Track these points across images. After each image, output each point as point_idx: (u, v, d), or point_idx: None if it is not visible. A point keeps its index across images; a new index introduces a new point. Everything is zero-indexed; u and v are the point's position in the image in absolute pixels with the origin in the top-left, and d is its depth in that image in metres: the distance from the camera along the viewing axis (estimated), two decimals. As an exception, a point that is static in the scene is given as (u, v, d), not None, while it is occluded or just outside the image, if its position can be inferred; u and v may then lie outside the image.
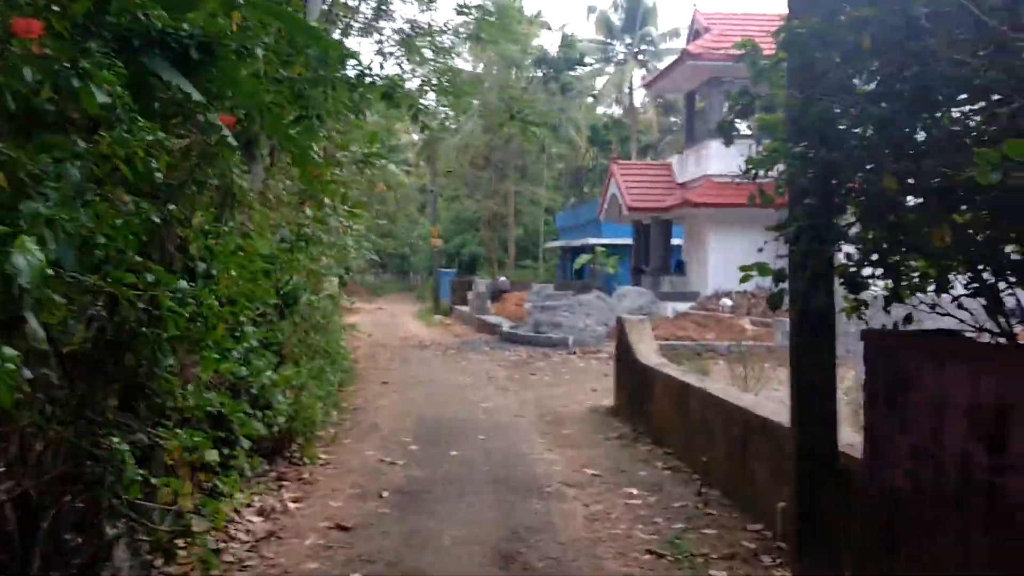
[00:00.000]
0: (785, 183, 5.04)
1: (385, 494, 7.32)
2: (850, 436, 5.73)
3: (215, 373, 7.02)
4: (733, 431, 7.36)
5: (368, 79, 7.43)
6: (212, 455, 5.57)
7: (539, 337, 21.10)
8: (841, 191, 4.80)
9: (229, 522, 6.41)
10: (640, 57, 53.08)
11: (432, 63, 17.37)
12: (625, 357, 11.42)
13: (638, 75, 51.00)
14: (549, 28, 72.21)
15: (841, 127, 4.41)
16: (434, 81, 12.35)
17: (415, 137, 55.17)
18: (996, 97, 3.53)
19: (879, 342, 4.85)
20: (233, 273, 6.41)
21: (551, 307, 23.04)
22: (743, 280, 5.18)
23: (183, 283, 5.09)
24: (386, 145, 48.40)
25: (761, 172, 5.33)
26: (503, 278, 38.44)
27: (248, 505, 6.86)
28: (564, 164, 57.86)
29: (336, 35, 17.61)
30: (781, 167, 5.14)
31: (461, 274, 46.18)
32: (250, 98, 4.76)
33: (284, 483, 7.67)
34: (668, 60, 33.71)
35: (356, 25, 19.81)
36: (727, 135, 5.61)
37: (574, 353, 19.16)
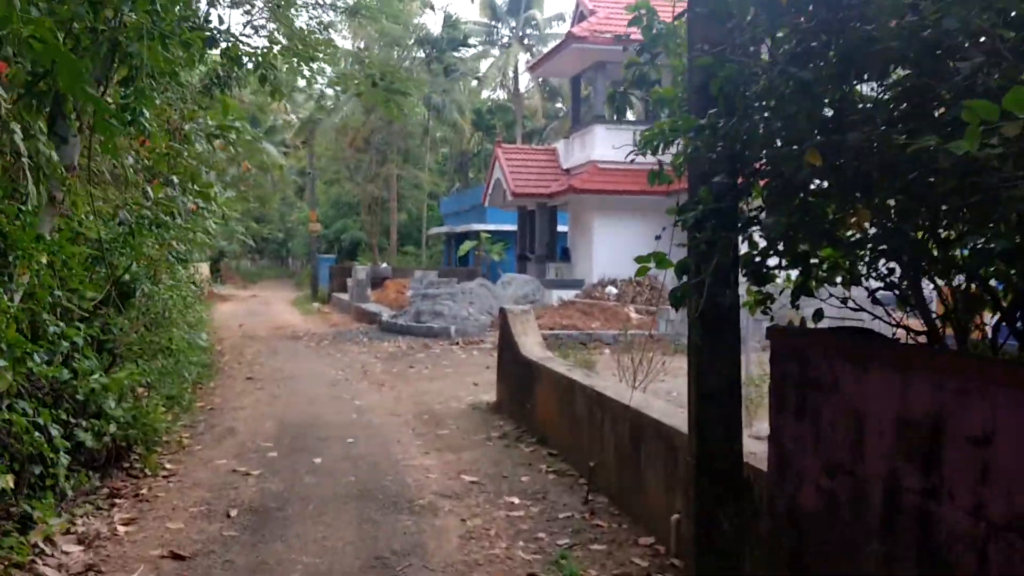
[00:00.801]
0: (686, 161, 4.42)
1: (233, 513, 6.42)
2: (751, 444, 5.18)
3: (29, 378, 6.01)
4: (622, 433, 6.77)
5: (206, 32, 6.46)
6: (5, 481, 4.59)
7: (420, 327, 20.28)
8: (747, 170, 4.21)
9: (39, 554, 5.41)
10: (525, 41, 52.54)
11: (307, 37, 16.32)
12: (508, 350, 10.76)
13: (523, 59, 50.43)
14: (432, 8, 71.11)
15: (753, 94, 3.80)
16: (284, 42, 11.29)
17: (294, 118, 53.39)
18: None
19: (787, 341, 4.29)
20: (43, 261, 5.42)
21: (432, 295, 22.23)
22: (639, 273, 4.55)
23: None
24: (261, 125, 46.50)
25: (653, 153, 4.71)
26: (384, 264, 37.37)
27: (68, 531, 5.86)
28: (448, 148, 56.98)
29: (203, 4, 16.36)
30: (677, 147, 4.53)
31: (341, 260, 44.82)
32: (36, 46, 3.80)
33: (117, 501, 6.67)
34: (553, 44, 33.26)
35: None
36: (618, 107, 4.94)
37: (456, 344, 18.43)
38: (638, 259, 4.66)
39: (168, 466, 7.74)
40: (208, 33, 6.74)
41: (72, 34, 5.03)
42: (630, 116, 28.30)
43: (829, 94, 3.57)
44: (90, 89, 4.03)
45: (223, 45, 9.66)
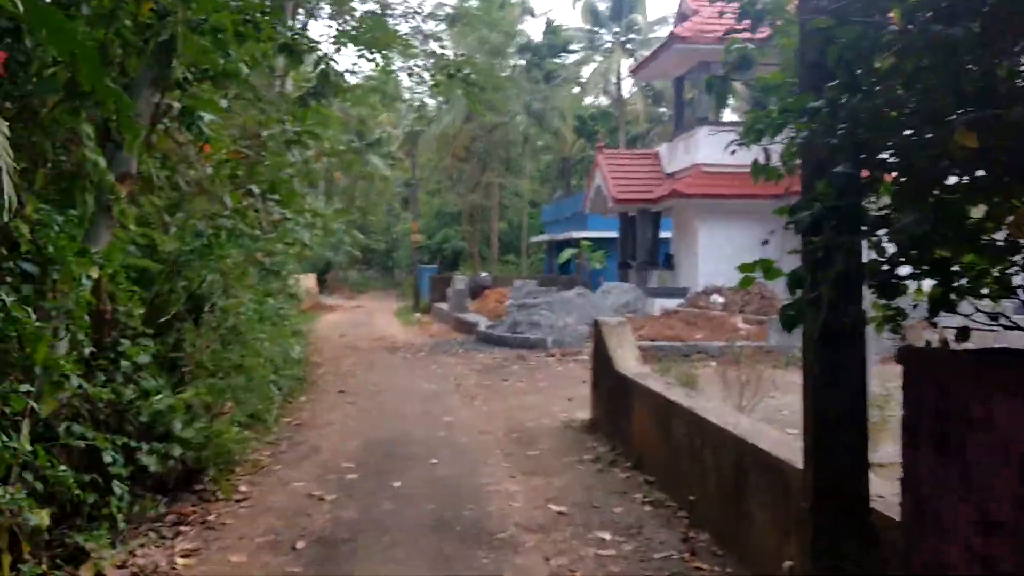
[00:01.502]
0: (799, 151, 3.72)
1: (300, 545, 5.97)
2: (876, 482, 4.40)
3: (84, 399, 5.69)
4: (726, 462, 6.04)
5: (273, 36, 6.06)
6: (37, 518, 4.21)
7: (516, 337, 19.76)
8: (873, 160, 3.49)
9: (91, 591, 5.06)
10: (628, 46, 51.61)
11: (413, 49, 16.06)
12: (602, 365, 10.10)
13: (626, 64, 49.56)
14: (533, 15, 70.80)
15: (881, 65, 3.09)
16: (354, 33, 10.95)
17: (399, 131, 53.87)
18: None
19: (924, 364, 3.55)
20: (93, 276, 5.07)
21: (530, 305, 21.69)
22: (744, 284, 3.88)
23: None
24: (367, 137, 47.02)
25: (757, 142, 4.05)
26: (484, 274, 37.07)
27: (123, 564, 5.49)
28: (550, 156, 56.45)
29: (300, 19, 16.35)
30: (787, 137, 3.83)
31: (443, 270, 44.82)
32: (60, 36, 3.40)
33: (183, 528, 6.29)
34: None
35: (325, 7, 18.52)
36: (718, 95, 4.28)
37: (552, 355, 17.82)
38: (742, 267, 4.00)
39: (243, 488, 7.38)
40: (275, 31, 6.33)
41: (116, 31, 4.66)
42: (735, 117, 27.22)
43: (979, 62, 2.84)
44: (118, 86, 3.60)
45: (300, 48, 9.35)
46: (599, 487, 7.56)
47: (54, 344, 4.47)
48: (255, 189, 8.44)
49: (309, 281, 39.65)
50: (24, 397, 4.04)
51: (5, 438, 3.95)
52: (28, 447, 4.36)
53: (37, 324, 4.13)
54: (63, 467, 4.55)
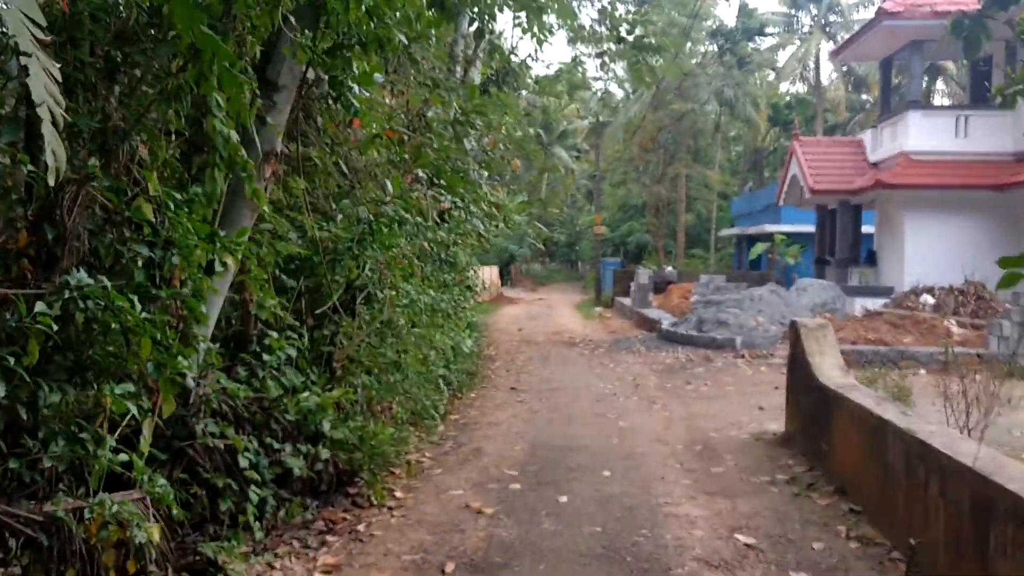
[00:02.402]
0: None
1: (449, 568, 5.33)
2: None
3: (224, 394, 5.28)
4: (959, 503, 4.91)
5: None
6: (148, 533, 3.75)
7: (702, 337, 18.60)
8: None
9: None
10: (828, 29, 48.67)
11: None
12: (799, 372, 8.97)
13: (825, 48, 46.70)
14: (727, -1, 68.30)
15: None
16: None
17: (585, 123, 53.25)
18: None
19: None
20: (229, 263, 4.60)
21: (717, 302, 20.46)
22: (1005, 283, 2.87)
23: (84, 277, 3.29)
24: (553, 130, 46.63)
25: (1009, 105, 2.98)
26: (669, 268, 35.83)
27: (258, 578, 5.04)
28: (741, 146, 54.16)
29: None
30: None
31: (626, 263, 43.83)
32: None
33: (329, 538, 5.81)
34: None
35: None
36: (967, 39, 3.24)
37: (741, 357, 16.57)
38: (1003, 261, 2.99)
39: (398, 494, 6.86)
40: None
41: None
42: (946, 101, 24.70)
43: None
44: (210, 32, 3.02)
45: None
46: (795, 516, 6.52)
47: (165, 338, 4.00)
48: (421, 174, 7.91)
49: (491, 273, 39.74)
50: (122, 400, 3.57)
51: (94, 445, 3.48)
52: (146, 451, 3.90)
53: (144, 316, 3.66)
54: (163, 480, 4.08)
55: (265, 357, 5.52)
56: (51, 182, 2.55)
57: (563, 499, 6.86)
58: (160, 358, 3.84)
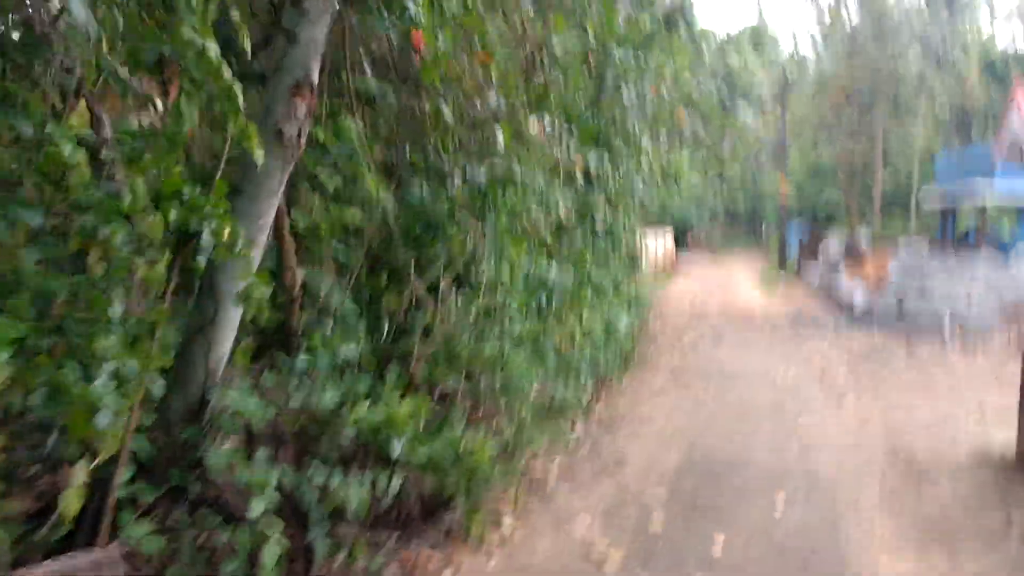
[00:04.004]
0: None
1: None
2: None
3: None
4: None
5: None
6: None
7: (902, 312, 16.18)
8: None
9: None
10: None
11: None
12: (1041, 371, 6.95)
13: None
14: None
15: None
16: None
17: (773, 87, 49.81)
18: None
19: None
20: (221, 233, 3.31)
21: (920, 273, 17.85)
22: None
23: None
24: (739, 88, 43.75)
25: None
26: (863, 233, 32.61)
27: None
28: (948, 100, 49.03)
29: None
30: None
31: (816, 228, 40.56)
32: None
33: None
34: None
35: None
36: None
37: (951, 342, 14.14)
38: None
39: (506, 523, 5.48)
40: None
41: None
42: None
43: None
44: None
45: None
46: (1046, 585, 4.68)
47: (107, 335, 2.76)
48: (547, 120, 6.41)
49: (665, 240, 37.67)
50: None
51: None
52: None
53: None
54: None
55: (302, 358, 4.24)
56: None
57: (719, 541, 5.26)
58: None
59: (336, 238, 4.69)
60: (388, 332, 5.16)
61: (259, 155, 3.26)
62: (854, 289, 20.60)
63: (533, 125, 6.27)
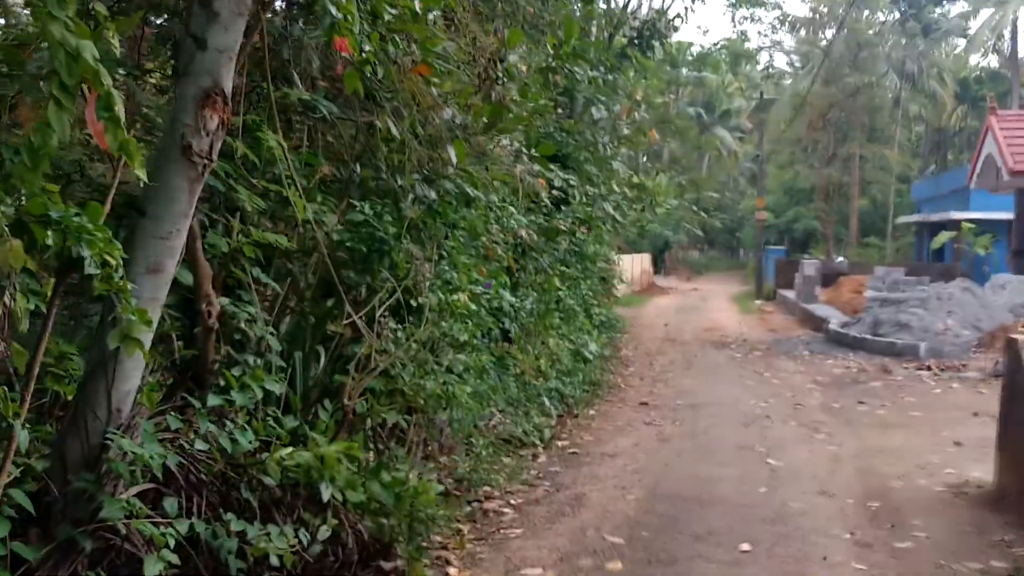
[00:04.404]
0: None
1: None
2: None
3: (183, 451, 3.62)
4: None
5: None
6: None
7: (878, 341, 15.92)
8: None
9: None
10: (1028, -7, 43.33)
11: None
12: (1018, 402, 6.64)
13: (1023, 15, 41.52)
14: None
15: None
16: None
17: (748, 103, 49.94)
18: None
19: None
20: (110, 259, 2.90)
21: (895, 299, 17.65)
22: None
23: None
24: (717, 109, 44.17)
25: None
26: (840, 259, 32.53)
27: None
28: (924, 125, 49.28)
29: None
30: None
31: (792, 252, 40.50)
32: None
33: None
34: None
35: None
36: None
37: (927, 368, 13.85)
38: None
39: (452, 572, 5.06)
40: None
41: None
42: None
43: None
44: None
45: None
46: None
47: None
48: (507, 143, 6.03)
49: (641, 262, 37.45)
50: None
51: None
52: None
53: None
54: None
55: (217, 396, 3.81)
56: None
57: (677, 596, 4.86)
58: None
59: (261, 263, 4.28)
60: (323, 365, 4.75)
61: (141, 174, 2.85)
62: (830, 313, 20.36)
63: (491, 143, 5.91)
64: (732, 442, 8.80)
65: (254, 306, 4.13)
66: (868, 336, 16.39)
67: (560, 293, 10.73)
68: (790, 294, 27.17)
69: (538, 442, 8.04)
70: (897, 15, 38.64)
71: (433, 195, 5.61)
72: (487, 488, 6.50)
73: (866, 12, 36.16)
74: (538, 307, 9.63)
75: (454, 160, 5.38)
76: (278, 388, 4.01)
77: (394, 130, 5.25)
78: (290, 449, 3.98)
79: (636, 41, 14.48)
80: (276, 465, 3.93)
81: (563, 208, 9.78)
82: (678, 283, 42.59)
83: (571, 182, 9.08)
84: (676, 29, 14.17)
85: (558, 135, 10.03)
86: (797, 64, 41.56)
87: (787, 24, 38.35)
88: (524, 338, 9.40)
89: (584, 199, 10.38)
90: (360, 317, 4.69)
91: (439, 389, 5.09)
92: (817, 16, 36.82)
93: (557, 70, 6.66)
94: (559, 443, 8.38)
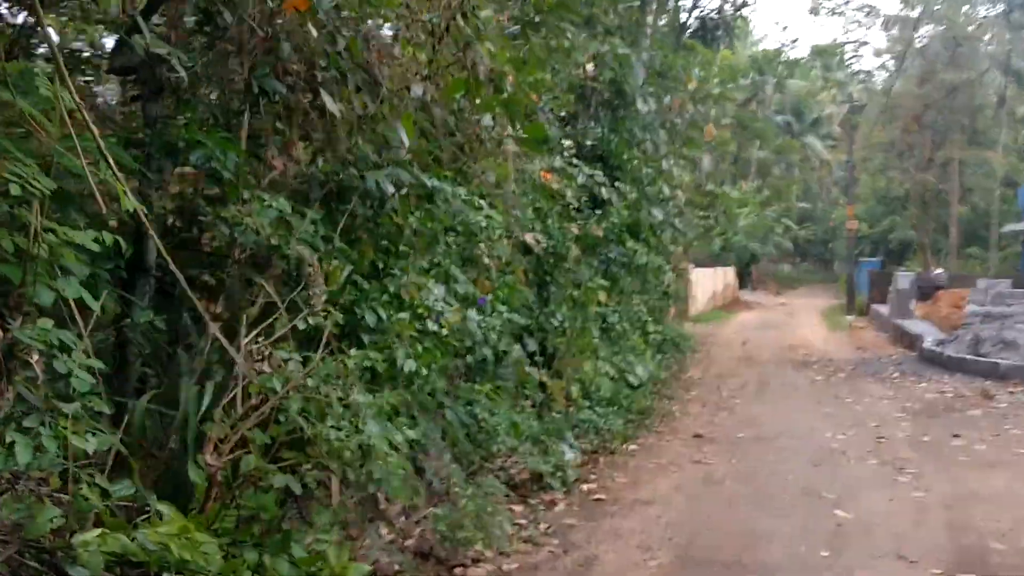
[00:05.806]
0: None
1: None
2: None
3: None
4: None
5: None
6: None
7: (978, 362, 14.12)
8: None
9: None
10: None
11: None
12: None
13: None
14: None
15: None
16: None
17: (840, 109, 47.55)
18: None
19: None
20: None
21: (1000, 315, 15.76)
22: None
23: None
24: (806, 117, 42.02)
25: None
26: (938, 271, 30.18)
27: None
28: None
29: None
30: None
31: (888, 265, 38.04)
32: None
33: None
34: None
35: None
36: None
37: (1036, 395, 12.08)
38: None
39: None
40: None
41: None
42: None
43: None
44: None
45: None
46: None
47: None
48: (486, 119, 4.86)
49: (724, 276, 35.65)
50: None
51: None
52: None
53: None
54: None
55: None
56: None
57: None
58: None
59: (67, 269, 3.20)
60: (205, 406, 3.66)
61: None
62: (926, 330, 18.52)
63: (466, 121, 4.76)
64: (796, 486, 7.39)
65: (69, 330, 3.06)
66: (967, 356, 14.58)
67: (602, 309, 9.47)
68: (884, 309, 25.16)
69: (557, 485, 6.82)
70: (1001, 7, 35.93)
71: (391, 188, 4.47)
72: (477, 548, 5.34)
73: (965, 6, 33.75)
74: (572, 325, 8.41)
75: (405, 141, 4.23)
76: (93, 444, 2.91)
77: (332, 107, 4.17)
78: (98, 531, 2.88)
79: (700, 32, 13.14)
80: (83, 550, 2.82)
81: (596, 212, 8.55)
82: (765, 298, 40.55)
83: (597, 179, 7.87)
84: (745, 19, 12.79)
85: (598, 130, 8.81)
86: (890, 64, 39.21)
87: (879, 21, 36.19)
88: (555, 361, 8.21)
89: (625, 202, 9.12)
90: (242, 341, 3.57)
91: (340, 440, 3.81)
92: (910, 11, 34.55)
93: (540, 25, 5.47)
94: (585, 486, 7.13)
